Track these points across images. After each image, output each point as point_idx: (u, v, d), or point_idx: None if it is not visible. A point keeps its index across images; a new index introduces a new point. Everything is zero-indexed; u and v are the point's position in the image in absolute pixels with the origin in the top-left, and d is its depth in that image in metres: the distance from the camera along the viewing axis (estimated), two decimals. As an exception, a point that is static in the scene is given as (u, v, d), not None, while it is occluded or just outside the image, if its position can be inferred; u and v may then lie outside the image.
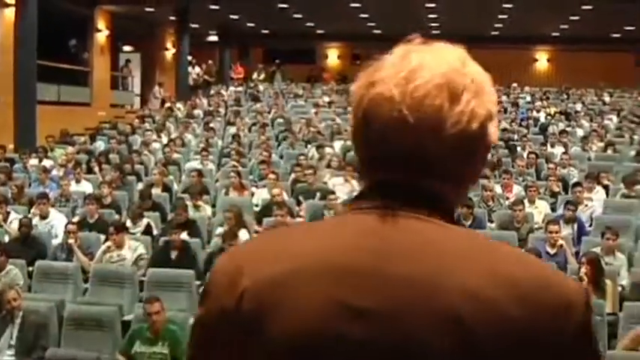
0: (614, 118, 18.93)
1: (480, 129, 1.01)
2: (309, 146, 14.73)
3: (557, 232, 8.40)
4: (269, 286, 0.98)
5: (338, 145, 14.98)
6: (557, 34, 28.29)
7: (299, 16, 25.22)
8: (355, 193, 1.07)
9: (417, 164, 1.00)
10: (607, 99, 22.93)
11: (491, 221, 10.13)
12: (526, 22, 24.95)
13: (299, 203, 10.86)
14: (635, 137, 16.12)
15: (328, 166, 12.97)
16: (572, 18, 24.20)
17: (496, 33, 28.36)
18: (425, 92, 0.99)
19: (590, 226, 9.77)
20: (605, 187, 11.30)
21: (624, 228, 9.01)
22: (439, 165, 1.00)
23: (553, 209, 10.52)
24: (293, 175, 12.03)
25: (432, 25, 26.91)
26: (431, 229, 0.99)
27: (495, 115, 1.05)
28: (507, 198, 10.99)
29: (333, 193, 10.51)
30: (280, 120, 17.90)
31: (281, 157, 14.23)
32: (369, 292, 0.95)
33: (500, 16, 24.67)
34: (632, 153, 14.19)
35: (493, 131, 1.04)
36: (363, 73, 1.06)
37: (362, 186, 1.06)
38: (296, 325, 0.96)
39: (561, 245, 8.31)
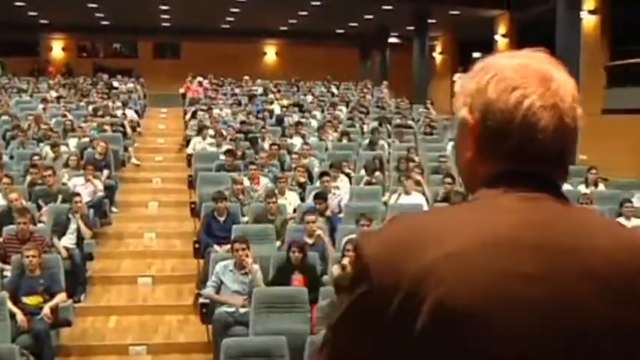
0: (344, 109, 19.86)
1: None
2: (41, 145, 13.77)
3: (314, 222, 8.57)
4: (436, 267, 1.12)
5: (73, 142, 14.24)
6: (285, 28, 29.16)
7: (21, 4, 23.48)
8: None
9: (557, 159, 1.24)
10: (335, 91, 24.05)
11: (243, 215, 10.11)
12: (257, 16, 25.39)
13: (39, 208, 10.10)
14: (365, 127, 17.03)
15: (66, 165, 12.23)
16: (301, 13, 25.06)
17: (227, 26, 28.58)
18: (570, 102, 1.24)
19: (340, 213, 10.12)
20: (348, 175, 11.77)
21: (373, 214, 9.40)
22: (568, 158, 1.26)
23: (302, 199, 10.74)
24: (29, 177, 11.15)
25: (164, 17, 26.49)
26: (566, 207, 1.22)
27: None
28: (256, 190, 11.04)
29: (77, 195, 9.89)
30: (6, 117, 16.56)
31: (11, 157, 13.14)
32: (532, 260, 1.14)
33: (232, 10, 24.86)
34: (366, 142, 14.96)
35: None
36: (490, 86, 1.23)
37: (491, 172, 1.24)
38: (467, 294, 1.10)
39: (319, 235, 8.49)
